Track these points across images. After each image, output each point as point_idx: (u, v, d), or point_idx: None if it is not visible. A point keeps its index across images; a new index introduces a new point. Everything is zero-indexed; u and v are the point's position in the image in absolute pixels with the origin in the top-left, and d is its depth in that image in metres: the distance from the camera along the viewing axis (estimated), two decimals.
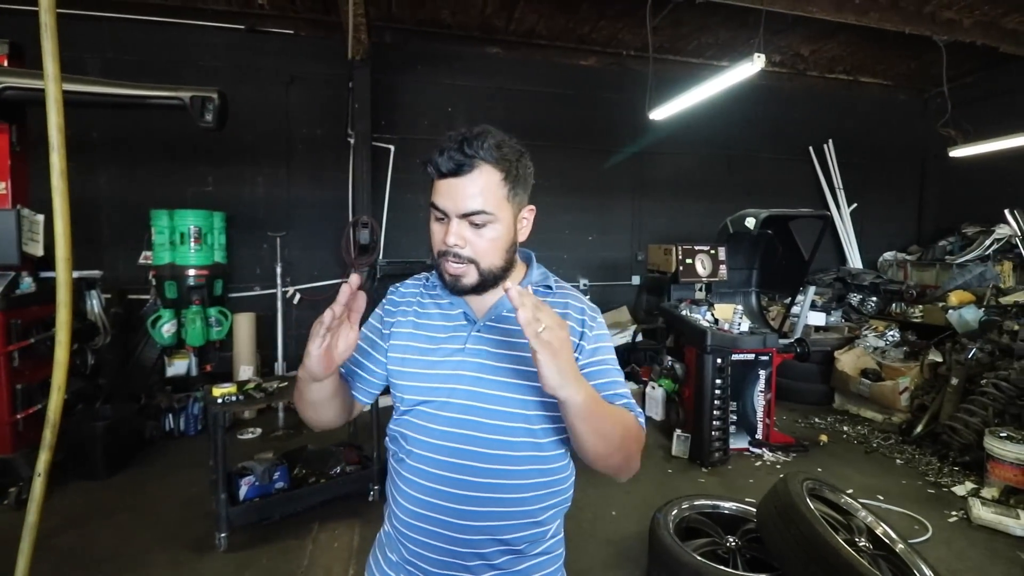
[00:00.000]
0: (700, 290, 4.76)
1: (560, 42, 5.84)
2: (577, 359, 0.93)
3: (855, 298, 6.27)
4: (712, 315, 4.15)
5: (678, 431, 3.96)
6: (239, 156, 5.14)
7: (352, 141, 5.11)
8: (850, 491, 2.61)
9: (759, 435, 4.02)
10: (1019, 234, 5.74)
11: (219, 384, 2.85)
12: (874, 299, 6.19)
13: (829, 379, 5.09)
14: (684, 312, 4.21)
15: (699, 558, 2.10)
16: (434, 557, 0.97)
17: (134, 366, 4.24)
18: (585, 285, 6.01)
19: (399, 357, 1.04)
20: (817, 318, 5.61)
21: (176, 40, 4.96)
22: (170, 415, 4.10)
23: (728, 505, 2.58)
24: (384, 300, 1.12)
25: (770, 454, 3.92)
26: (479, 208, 0.92)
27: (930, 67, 6.12)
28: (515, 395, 0.96)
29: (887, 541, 2.25)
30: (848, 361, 4.93)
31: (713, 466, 3.71)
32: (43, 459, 1.71)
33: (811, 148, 7.00)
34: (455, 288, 0.98)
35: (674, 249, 4.51)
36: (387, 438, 1.08)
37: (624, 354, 4.97)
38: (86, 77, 3.53)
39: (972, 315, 4.77)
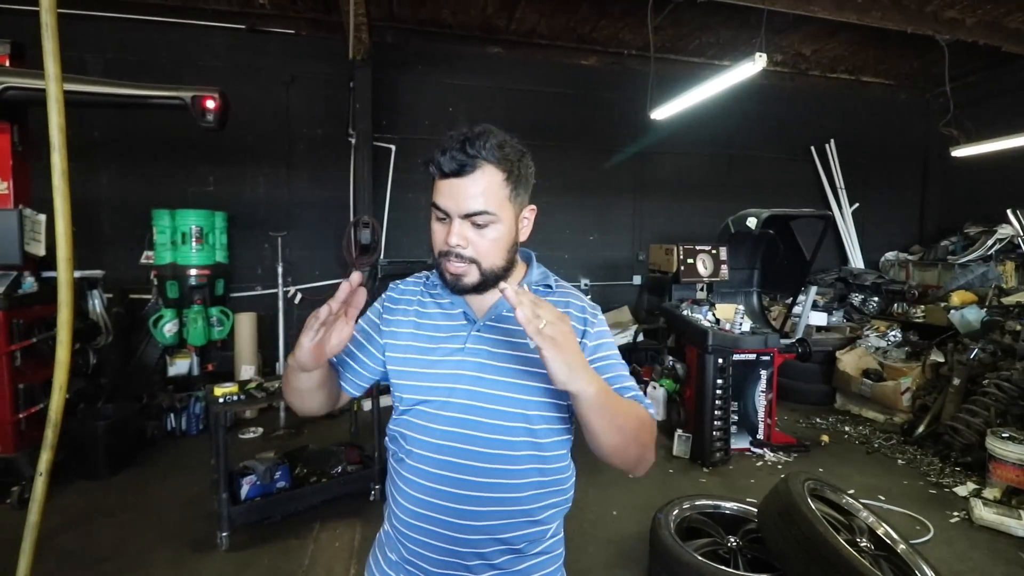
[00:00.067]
0: (701, 290, 4.75)
1: (561, 42, 5.84)
2: None
3: (857, 298, 6.25)
4: (713, 315, 4.15)
5: (679, 431, 3.96)
6: (240, 156, 5.15)
7: (353, 141, 5.11)
8: (851, 491, 2.60)
9: (760, 435, 4.02)
10: (1022, 234, 5.72)
11: (220, 384, 2.86)
12: (876, 299, 6.18)
13: (830, 379, 5.08)
14: (685, 312, 4.20)
15: (700, 558, 2.10)
16: (434, 556, 0.97)
17: (136, 366, 4.25)
18: (586, 285, 6.01)
19: (400, 357, 1.03)
20: (819, 318, 5.61)
21: (177, 40, 4.96)
22: (172, 415, 4.10)
23: (729, 505, 2.58)
24: (383, 296, 1.12)
25: (771, 454, 3.92)
26: (481, 208, 0.92)
27: (932, 66, 6.12)
28: (515, 395, 0.95)
29: (888, 542, 2.25)
30: (850, 361, 4.93)
31: (714, 466, 3.71)
32: (45, 458, 1.71)
33: (813, 148, 6.99)
34: (456, 287, 0.97)
35: (675, 249, 4.50)
36: (387, 438, 1.08)
37: (625, 354, 4.91)
38: (87, 77, 3.54)
39: (974, 315, 4.76)
